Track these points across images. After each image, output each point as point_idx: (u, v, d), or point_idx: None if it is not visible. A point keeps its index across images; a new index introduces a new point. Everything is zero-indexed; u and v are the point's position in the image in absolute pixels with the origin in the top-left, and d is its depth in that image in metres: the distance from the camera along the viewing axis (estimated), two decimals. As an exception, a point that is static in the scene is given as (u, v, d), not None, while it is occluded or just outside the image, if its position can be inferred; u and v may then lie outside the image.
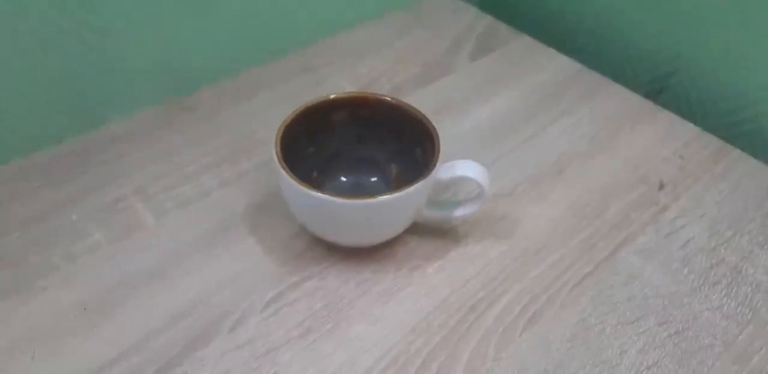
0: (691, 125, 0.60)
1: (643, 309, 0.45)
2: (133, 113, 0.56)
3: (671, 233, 0.51)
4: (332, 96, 0.47)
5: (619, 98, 0.62)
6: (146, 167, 0.52)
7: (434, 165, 0.42)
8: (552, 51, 0.68)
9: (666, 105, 0.62)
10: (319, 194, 0.39)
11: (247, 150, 0.54)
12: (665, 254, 0.49)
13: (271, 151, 0.42)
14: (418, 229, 0.48)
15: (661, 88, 0.68)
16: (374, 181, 0.50)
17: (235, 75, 0.61)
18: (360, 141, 0.49)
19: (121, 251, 0.46)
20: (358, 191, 0.50)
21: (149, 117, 0.57)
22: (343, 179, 0.50)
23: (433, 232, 0.49)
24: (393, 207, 0.41)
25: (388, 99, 0.47)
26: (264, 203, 0.50)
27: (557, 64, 0.66)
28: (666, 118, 0.61)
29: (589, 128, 0.59)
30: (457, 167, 0.43)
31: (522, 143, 0.57)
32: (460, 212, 0.46)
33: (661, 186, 0.55)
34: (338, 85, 0.61)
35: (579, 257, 0.48)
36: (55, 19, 0.47)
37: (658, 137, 0.59)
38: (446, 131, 0.55)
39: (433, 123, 0.45)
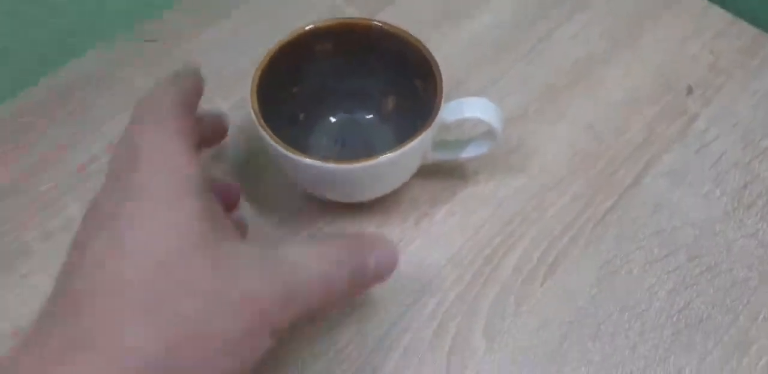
0: (722, 11, 0.52)
1: (673, 244, 0.42)
2: (87, 53, 0.49)
3: (702, 148, 0.46)
4: (309, 26, 0.40)
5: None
6: (113, 116, 0.47)
7: (438, 108, 0.37)
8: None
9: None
10: (311, 161, 0.34)
11: (223, 87, 0.48)
12: (695, 173, 0.45)
13: (248, 91, 0.37)
14: (421, 170, 0.42)
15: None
16: (370, 118, 0.45)
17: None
18: (350, 75, 0.43)
19: (101, 223, 0.42)
20: (352, 130, 0.45)
21: (107, 55, 0.50)
22: (333, 119, 0.45)
23: (438, 171, 0.44)
24: (396, 164, 0.36)
25: (379, 25, 0.39)
26: (246, 152, 0.45)
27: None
28: (693, 3, 0.53)
29: (606, 24, 0.52)
30: (464, 106, 0.38)
31: (531, 50, 0.50)
32: (468, 153, 0.41)
33: (690, 91, 0.49)
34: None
35: (600, 187, 0.44)
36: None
37: (685, 29, 0.52)
38: (446, 43, 0.49)
39: (432, 34, 0.38)
